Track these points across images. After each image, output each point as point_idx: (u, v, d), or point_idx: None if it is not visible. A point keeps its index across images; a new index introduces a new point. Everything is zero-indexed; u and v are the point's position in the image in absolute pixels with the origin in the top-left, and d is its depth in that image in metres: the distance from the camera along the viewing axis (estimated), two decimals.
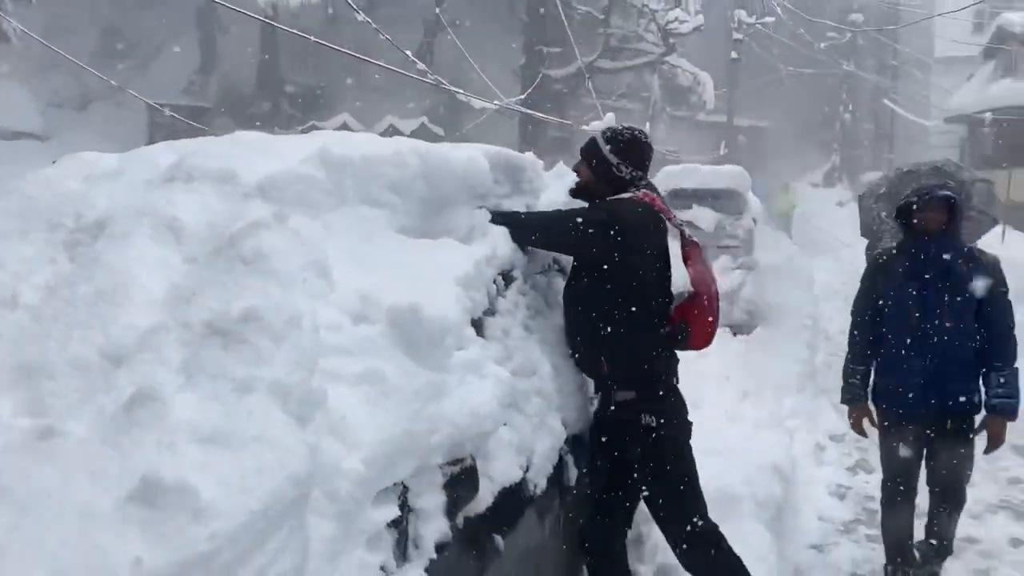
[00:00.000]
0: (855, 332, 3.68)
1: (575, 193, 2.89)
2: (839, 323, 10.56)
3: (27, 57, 29.52)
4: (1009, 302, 3.39)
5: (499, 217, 2.56)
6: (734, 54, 24.69)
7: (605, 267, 2.61)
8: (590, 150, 2.82)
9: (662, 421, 2.66)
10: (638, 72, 26.50)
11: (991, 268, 3.37)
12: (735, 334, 8.62)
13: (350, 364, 1.75)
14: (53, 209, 2.03)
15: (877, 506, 4.68)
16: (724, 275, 9.49)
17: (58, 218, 2.00)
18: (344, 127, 25.22)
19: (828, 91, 31.42)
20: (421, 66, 8.90)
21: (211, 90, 30.47)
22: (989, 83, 22.75)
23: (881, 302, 3.52)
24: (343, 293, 1.90)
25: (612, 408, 2.70)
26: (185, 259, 1.85)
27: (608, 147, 2.76)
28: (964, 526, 4.11)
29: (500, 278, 2.49)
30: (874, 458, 5.52)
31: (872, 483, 5.09)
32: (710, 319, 2.81)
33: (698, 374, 5.99)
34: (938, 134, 27.89)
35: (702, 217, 11.98)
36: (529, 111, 12.38)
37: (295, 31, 8.46)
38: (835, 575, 3.81)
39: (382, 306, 1.88)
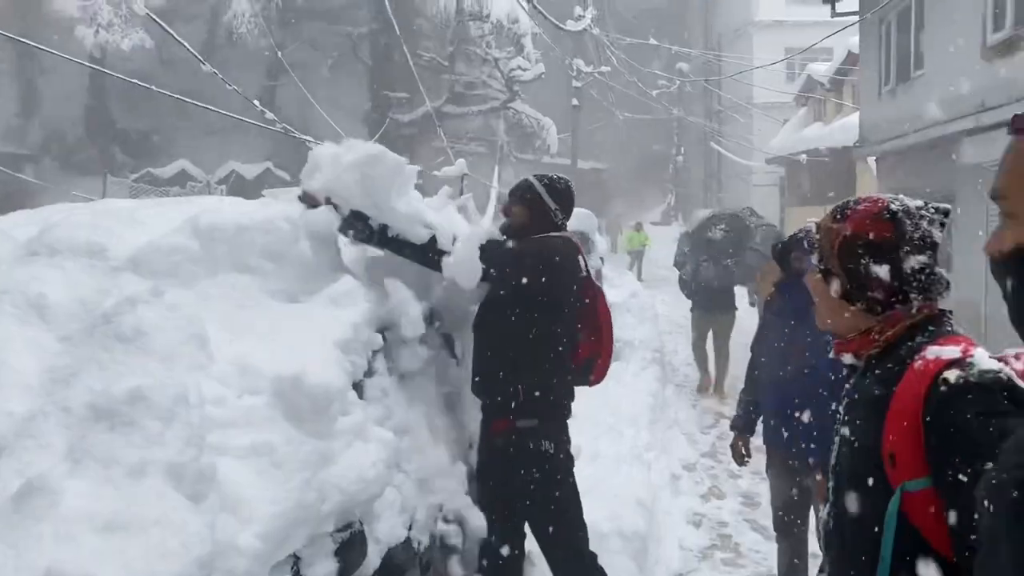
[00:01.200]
0: (750, 365, 3.88)
1: (508, 231, 3.01)
2: (683, 355, 11.17)
3: None
4: None
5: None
6: (574, 101, 25.78)
7: (531, 299, 2.75)
8: (527, 193, 3.04)
9: (556, 447, 2.82)
10: (485, 117, 27.13)
11: None
12: None
13: (238, 437, 1.75)
14: None
15: (730, 531, 5.02)
16: None
17: None
18: (182, 173, 24.26)
19: (662, 135, 33.41)
20: (269, 115, 8.79)
21: (32, 136, 28.49)
22: (802, 127, 24.91)
23: (763, 338, 3.78)
24: (225, 365, 1.89)
25: (513, 436, 2.80)
26: (58, 338, 1.79)
27: (547, 193, 3.01)
28: None
29: (375, 337, 2.53)
30: (724, 484, 5.89)
31: (724, 508, 5.42)
32: (609, 357, 3.13)
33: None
34: (761, 173, 30.15)
35: None
36: None
37: (125, 76, 8.12)
38: None
39: (265, 376, 1.89)
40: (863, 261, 1.46)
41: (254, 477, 1.69)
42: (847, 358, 1.52)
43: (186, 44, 6.20)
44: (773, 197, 29.53)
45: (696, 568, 4.38)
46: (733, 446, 3.84)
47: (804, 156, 22.16)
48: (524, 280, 2.75)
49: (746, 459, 3.84)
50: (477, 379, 2.91)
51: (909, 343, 1.40)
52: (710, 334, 9.29)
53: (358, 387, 2.24)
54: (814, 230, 1.70)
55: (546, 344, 2.83)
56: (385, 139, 22.33)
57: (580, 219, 13.31)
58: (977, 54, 9.81)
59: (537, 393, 2.80)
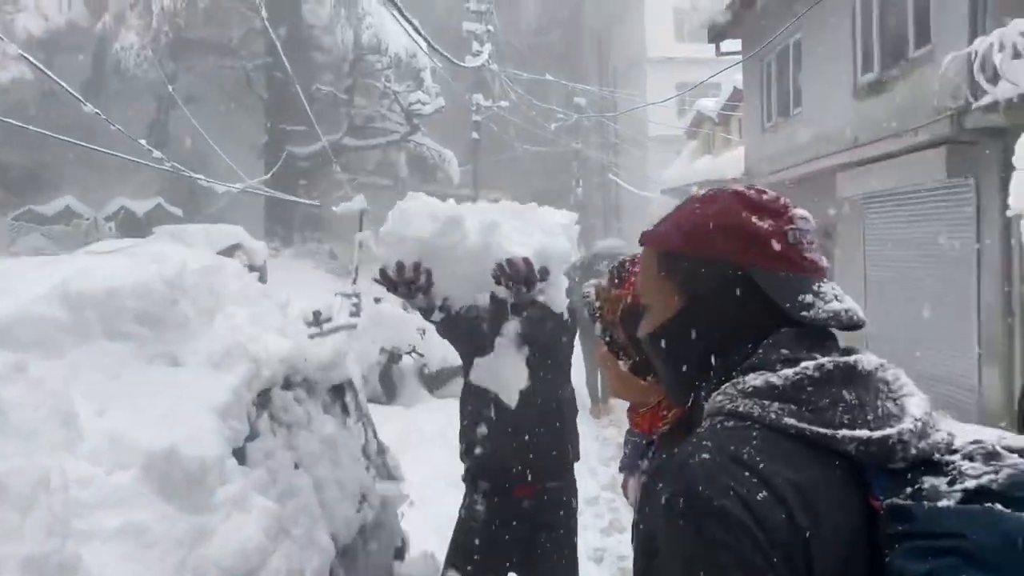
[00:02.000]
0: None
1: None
2: (583, 392, 11.33)
3: None
4: None
5: None
6: (475, 134, 26.03)
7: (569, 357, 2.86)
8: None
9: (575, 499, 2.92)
10: (385, 150, 27.07)
11: None
12: None
13: (107, 519, 1.68)
14: None
15: (629, 564, 5.10)
16: None
17: None
18: (67, 210, 23.19)
19: (562, 166, 34.07)
20: (157, 154, 8.52)
21: None
22: (693, 159, 25.88)
23: None
24: (94, 441, 1.82)
25: (545, 496, 2.81)
26: None
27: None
28: None
29: (260, 396, 2.49)
30: (625, 518, 5.98)
31: (624, 542, 5.51)
32: None
33: (454, 452, 6.19)
34: (657, 204, 31.10)
35: None
36: (273, 192, 12.21)
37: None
38: None
39: (137, 451, 1.83)
40: None
41: (124, 562, 1.63)
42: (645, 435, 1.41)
43: (63, 84, 5.97)
44: None
45: None
46: (624, 486, 3.93)
47: (695, 187, 22.99)
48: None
49: None
50: (530, 446, 2.78)
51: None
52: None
53: (239, 452, 2.19)
54: (592, 296, 1.53)
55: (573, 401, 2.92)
56: (283, 173, 22.00)
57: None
58: (849, 94, 10.45)
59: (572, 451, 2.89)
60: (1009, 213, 5.93)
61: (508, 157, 31.10)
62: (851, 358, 0.99)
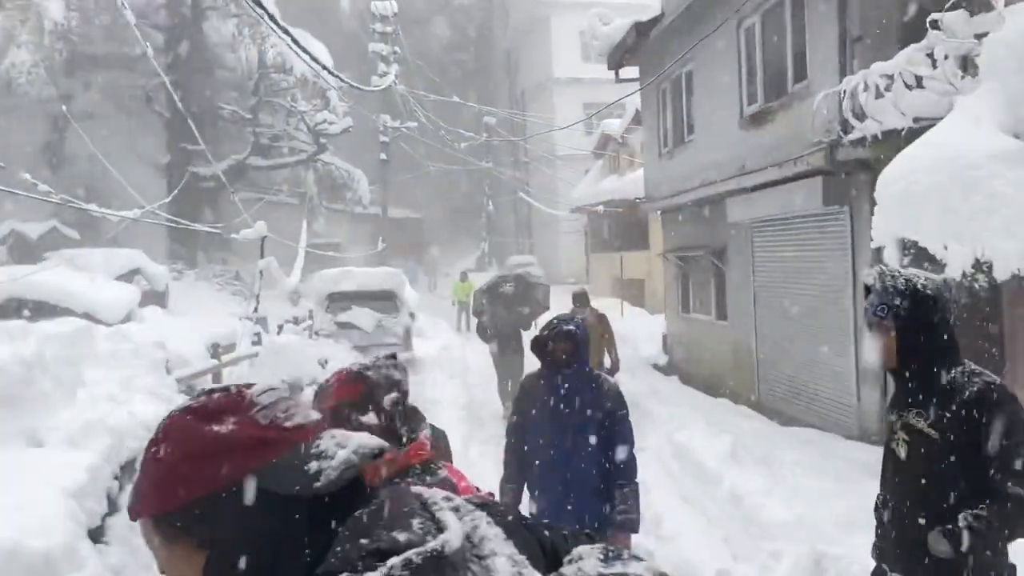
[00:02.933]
0: (507, 453, 3.92)
1: None
2: (492, 408, 11.47)
3: None
4: (629, 424, 3.79)
5: None
6: (383, 155, 26.02)
7: None
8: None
9: None
10: (293, 169, 26.75)
11: (612, 394, 3.79)
12: None
13: None
14: None
15: None
16: None
17: None
18: None
19: (473, 185, 34.32)
20: (43, 187, 8.25)
21: None
22: (600, 179, 26.45)
23: (523, 427, 3.84)
24: None
25: None
26: None
27: None
28: None
29: (124, 468, 2.51)
30: None
31: None
32: None
33: None
34: (567, 221, 31.60)
35: (361, 318, 12.39)
36: (172, 219, 11.96)
37: None
38: None
39: None
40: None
41: None
42: None
43: None
44: (579, 244, 31.01)
45: None
46: None
47: (601, 207, 23.51)
48: None
49: None
50: None
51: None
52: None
53: (96, 531, 2.21)
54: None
55: None
56: (186, 193, 21.47)
57: (388, 278, 13.47)
58: (736, 123, 10.95)
59: None
60: (873, 245, 6.34)
61: (419, 176, 31.14)
62: (437, 543, 0.90)
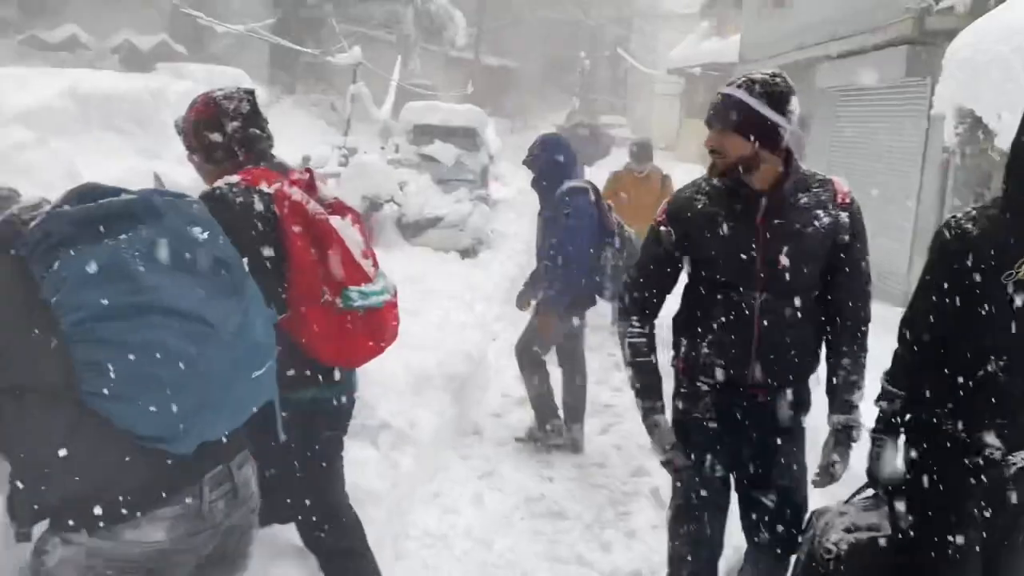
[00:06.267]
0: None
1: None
2: None
3: None
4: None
5: None
6: None
7: None
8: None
9: None
10: (392, 3, 26.74)
11: None
12: (463, 257, 9.74)
13: None
14: None
15: (553, 385, 5.94)
16: (457, 205, 10.57)
17: None
18: (72, 39, 23.18)
19: (571, 38, 33.62)
20: None
21: None
22: (702, 40, 25.70)
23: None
24: None
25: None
26: None
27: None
28: None
29: None
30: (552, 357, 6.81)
31: (555, 373, 6.34)
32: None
33: (423, 292, 6.97)
34: (663, 83, 30.98)
35: (441, 152, 12.96)
36: (274, 38, 12.48)
37: None
38: (506, 431, 4.92)
39: None
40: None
41: None
42: None
43: None
44: (673, 107, 30.48)
45: (511, 411, 5.28)
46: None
47: (699, 69, 23.01)
48: None
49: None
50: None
51: None
52: None
53: None
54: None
55: None
56: (290, 20, 21.95)
57: (470, 115, 13.88)
58: None
59: None
60: (932, 112, 6.45)
61: (518, 22, 30.70)
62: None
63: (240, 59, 22.35)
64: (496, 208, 13.13)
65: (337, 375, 2.39)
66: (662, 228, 2.46)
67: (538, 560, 3.41)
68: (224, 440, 1.65)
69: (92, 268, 1.43)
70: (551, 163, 4.54)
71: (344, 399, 2.51)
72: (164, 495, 1.55)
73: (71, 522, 1.51)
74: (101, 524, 1.50)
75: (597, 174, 14.00)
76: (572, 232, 4.35)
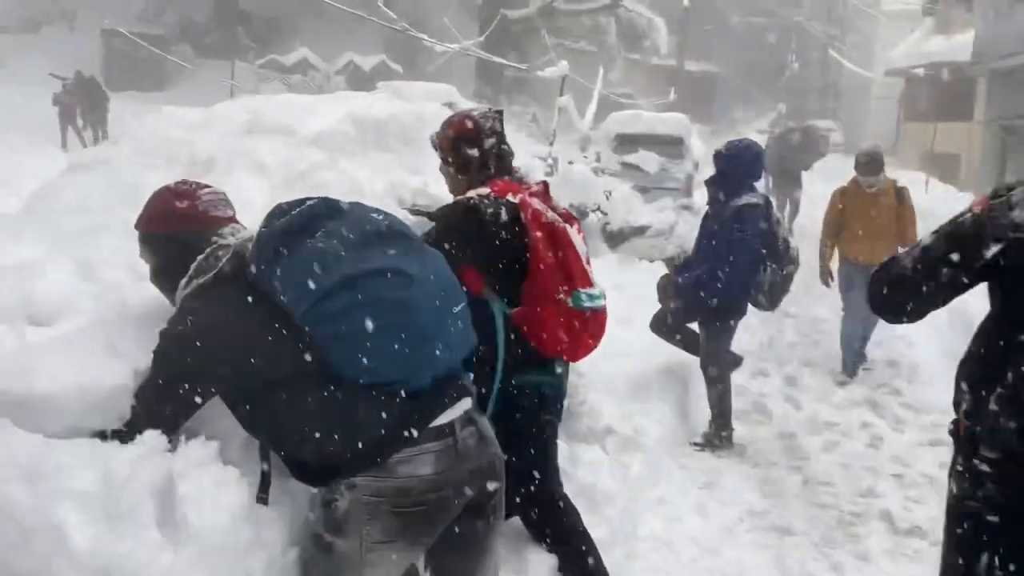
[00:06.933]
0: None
1: None
2: None
3: None
4: None
5: None
6: (685, 1, 25.42)
7: None
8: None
9: None
10: (595, 15, 27.05)
11: None
12: (667, 266, 9.73)
13: None
14: (167, 150, 2.91)
15: (767, 402, 5.83)
16: (662, 214, 10.58)
17: (174, 156, 2.88)
18: (304, 62, 25.43)
19: (777, 40, 32.44)
20: (390, 14, 9.53)
21: (166, 17, 30.08)
22: (926, 39, 23.93)
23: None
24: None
25: None
26: (270, 186, 2.76)
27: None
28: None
29: None
30: (771, 367, 6.66)
31: (768, 385, 6.22)
32: None
33: (631, 299, 7.05)
34: (881, 85, 29.14)
35: (645, 160, 13.00)
36: (490, 56, 13.09)
37: None
38: (720, 447, 4.88)
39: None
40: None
41: None
42: None
43: None
44: (890, 112, 28.59)
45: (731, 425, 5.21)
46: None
47: (921, 70, 21.47)
48: None
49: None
50: None
51: None
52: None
53: None
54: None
55: None
56: (494, 36, 22.82)
57: (675, 124, 13.81)
58: None
59: None
60: None
61: (720, 27, 30.07)
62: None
63: (449, 76, 23.58)
64: (700, 213, 12.96)
65: (558, 368, 2.62)
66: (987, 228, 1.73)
67: (766, 573, 3.40)
68: (454, 382, 1.90)
69: (305, 263, 1.75)
70: (731, 173, 4.57)
71: (560, 388, 2.74)
72: (418, 433, 1.78)
73: (352, 466, 1.76)
74: (377, 463, 1.75)
75: (811, 181, 13.67)
76: (739, 246, 4.41)
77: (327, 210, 1.89)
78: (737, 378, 6.31)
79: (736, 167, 4.60)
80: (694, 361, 5.50)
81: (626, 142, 13.22)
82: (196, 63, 26.16)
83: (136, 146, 2.95)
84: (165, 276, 1.98)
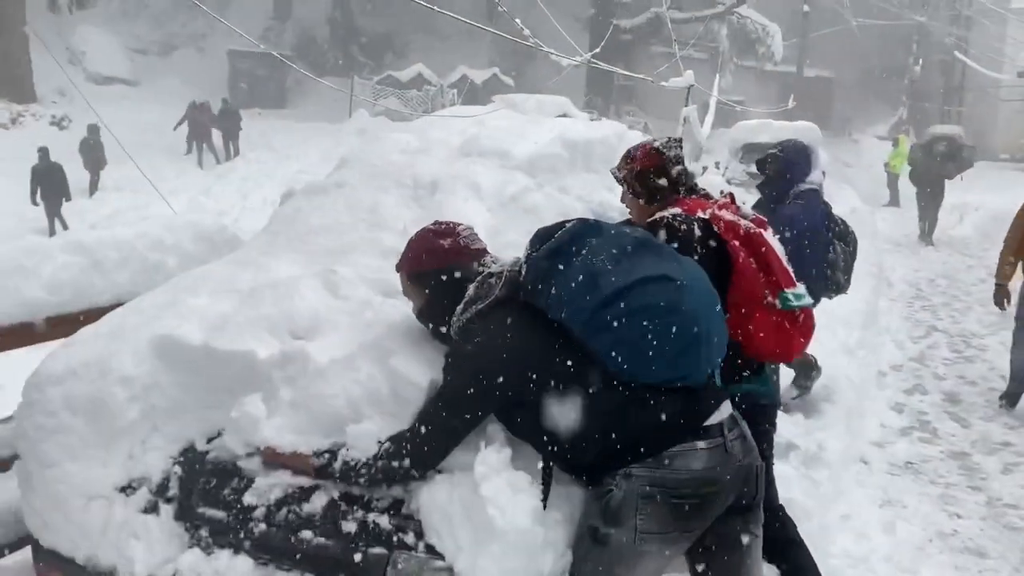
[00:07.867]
0: None
1: None
2: (900, 272, 11.38)
3: (111, 4, 30.79)
4: None
5: None
6: (805, 7, 24.84)
7: None
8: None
9: None
10: (708, 22, 26.74)
11: None
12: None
13: None
14: (394, 173, 3.11)
15: (929, 419, 5.68)
16: None
17: (400, 179, 3.08)
18: (419, 77, 26.11)
19: (898, 42, 31.23)
20: (518, 23, 9.67)
21: (286, 37, 31.46)
22: None
23: None
24: None
25: None
26: (487, 208, 2.92)
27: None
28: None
29: None
30: (928, 384, 6.47)
31: (926, 402, 6.05)
32: None
33: None
34: (1010, 87, 27.68)
35: None
36: (610, 67, 13.12)
37: None
38: (892, 464, 4.80)
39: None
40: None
41: None
42: None
43: None
44: (1021, 114, 27.14)
45: (893, 441, 5.13)
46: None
47: None
48: None
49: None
50: None
51: None
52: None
53: None
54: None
55: None
56: (607, 45, 22.82)
57: (804, 132, 13.54)
58: None
59: None
60: None
61: (838, 31, 29.20)
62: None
63: (560, 88, 23.75)
64: None
65: (773, 376, 2.66)
66: None
67: None
68: (714, 384, 2.05)
69: (577, 279, 1.91)
70: (785, 171, 4.41)
71: (774, 398, 2.78)
72: (694, 428, 1.90)
73: (629, 458, 1.88)
74: (653, 456, 1.87)
75: (954, 190, 13.48)
76: (797, 219, 4.16)
77: (587, 229, 2.06)
78: (894, 394, 6.20)
79: (787, 167, 4.43)
80: (859, 374, 5.43)
81: (753, 151, 13.07)
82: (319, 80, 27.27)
83: (366, 170, 3.17)
84: (432, 310, 2.17)
